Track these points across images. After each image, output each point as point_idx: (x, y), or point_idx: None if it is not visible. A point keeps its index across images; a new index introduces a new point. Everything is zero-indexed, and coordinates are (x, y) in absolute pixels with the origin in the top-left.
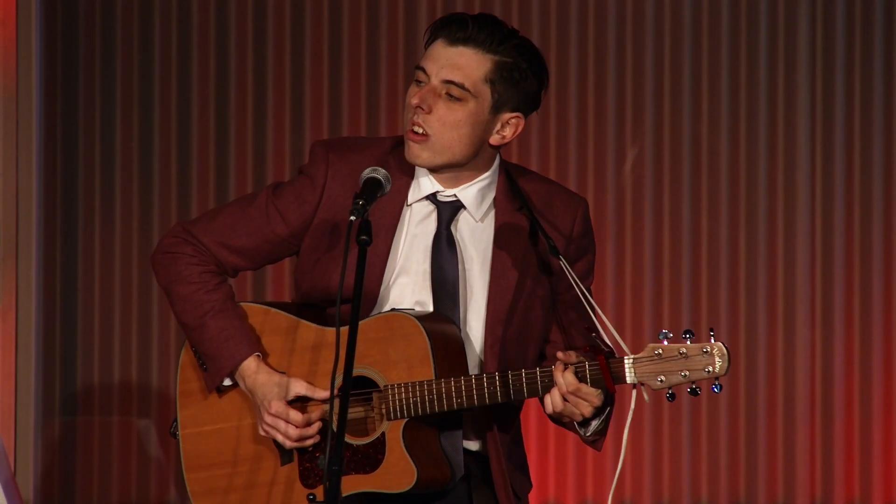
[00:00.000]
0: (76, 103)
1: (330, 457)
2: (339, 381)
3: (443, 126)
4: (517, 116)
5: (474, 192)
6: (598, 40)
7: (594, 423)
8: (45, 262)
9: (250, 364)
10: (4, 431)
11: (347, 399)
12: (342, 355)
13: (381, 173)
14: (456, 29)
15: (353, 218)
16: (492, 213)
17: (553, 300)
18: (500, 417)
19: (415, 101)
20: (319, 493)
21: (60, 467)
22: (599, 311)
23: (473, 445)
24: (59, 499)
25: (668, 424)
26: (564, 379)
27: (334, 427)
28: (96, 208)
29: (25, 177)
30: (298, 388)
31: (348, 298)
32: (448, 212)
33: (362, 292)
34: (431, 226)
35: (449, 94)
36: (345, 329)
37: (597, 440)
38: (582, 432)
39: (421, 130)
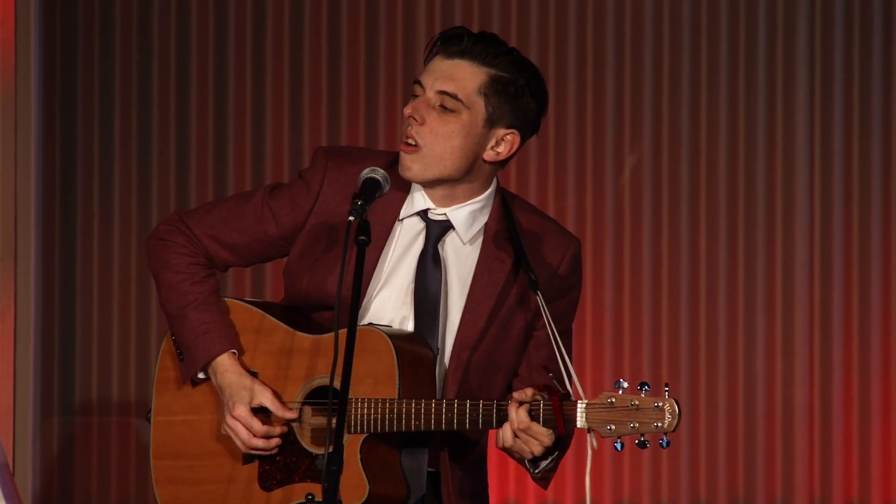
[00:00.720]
0: (75, 103)
1: (329, 457)
2: (310, 386)
3: (434, 137)
4: (513, 133)
5: (465, 214)
6: (596, 46)
7: (543, 464)
8: (43, 261)
9: (223, 361)
10: (3, 432)
11: (345, 400)
12: (341, 355)
13: (379, 174)
14: (452, 43)
15: (351, 218)
16: (480, 238)
17: (528, 335)
18: (457, 444)
19: (408, 111)
20: (295, 495)
21: (59, 467)
22: (565, 353)
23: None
24: (58, 499)
25: None
26: (517, 416)
27: (330, 430)
28: (95, 208)
29: (24, 176)
30: (266, 401)
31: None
32: (437, 230)
33: (359, 295)
34: (419, 243)
35: (443, 106)
36: (340, 332)
37: (545, 478)
38: (531, 469)
39: (413, 142)
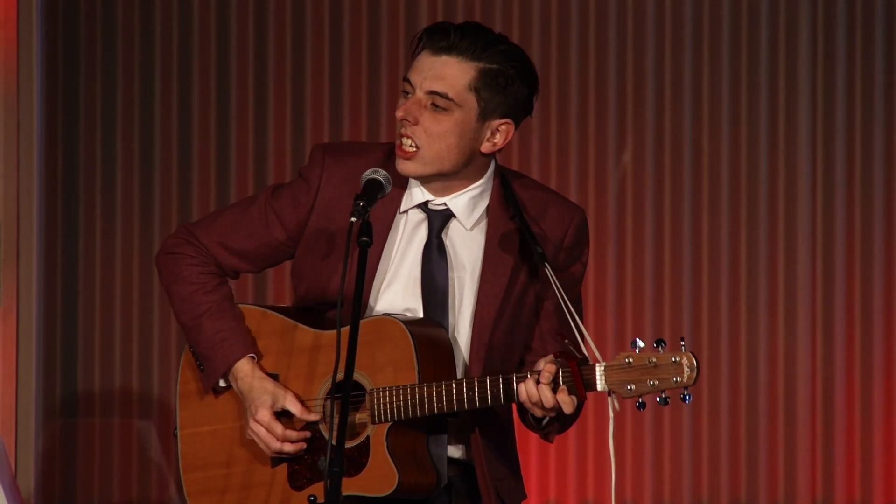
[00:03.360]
0: (77, 104)
1: (331, 458)
2: (332, 381)
3: (430, 137)
4: (507, 123)
5: (465, 201)
6: (598, 42)
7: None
8: (46, 263)
9: (244, 366)
10: (5, 432)
11: (347, 400)
12: (342, 356)
13: (381, 174)
14: (439, 38)
15: (353, 219)
16: (484, 222)
17: (539, 307)
18: (489, 425)
19: (400, 113)
20: (319, 493)
21: (61, 468)
22: (578, 320)
23: (457, 453)
24: (60, 500)
25: (670, 424)
26: (542, 393)
27: (334, 428)
28: (97, 209)
29: (26, 178)
30: (289, 404)
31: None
32: (439, 220)
33: (361, 295)
34: (422, 234)
35: (434, 105)
36: (343, 330)
37: (549, 432)
38: (536, 424)
39: (409, 142)
